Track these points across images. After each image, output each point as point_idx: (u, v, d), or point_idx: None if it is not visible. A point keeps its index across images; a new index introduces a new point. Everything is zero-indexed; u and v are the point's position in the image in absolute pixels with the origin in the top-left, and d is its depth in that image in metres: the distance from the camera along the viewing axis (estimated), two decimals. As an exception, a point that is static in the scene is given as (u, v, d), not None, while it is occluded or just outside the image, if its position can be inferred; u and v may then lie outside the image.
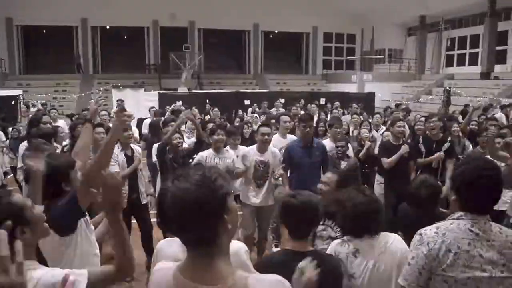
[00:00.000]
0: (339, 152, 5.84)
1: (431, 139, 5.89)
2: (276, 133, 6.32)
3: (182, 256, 1.91)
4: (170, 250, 2.01)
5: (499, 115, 11.03)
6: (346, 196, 2.61)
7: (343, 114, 10.58)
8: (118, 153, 5.19)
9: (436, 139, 5.84)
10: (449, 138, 5.89)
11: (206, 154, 5.20)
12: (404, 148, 5.67)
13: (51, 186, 2.31)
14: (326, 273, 1.74)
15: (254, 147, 5.25)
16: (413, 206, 3.21)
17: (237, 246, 2.05)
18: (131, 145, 5.36)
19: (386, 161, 5.77)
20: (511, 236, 1.99)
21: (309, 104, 13.07)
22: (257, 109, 12.81)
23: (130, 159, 5.18)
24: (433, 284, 1.95)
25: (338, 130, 6.18)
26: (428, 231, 2.01)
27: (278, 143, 5.94)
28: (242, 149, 5.72)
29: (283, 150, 5.39)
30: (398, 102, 15.77)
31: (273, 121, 8.42)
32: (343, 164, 5.72)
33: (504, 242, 1.96)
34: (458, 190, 2.03)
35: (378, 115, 8.48)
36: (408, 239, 3.18)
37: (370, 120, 8.54)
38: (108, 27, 25.89)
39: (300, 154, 5.09)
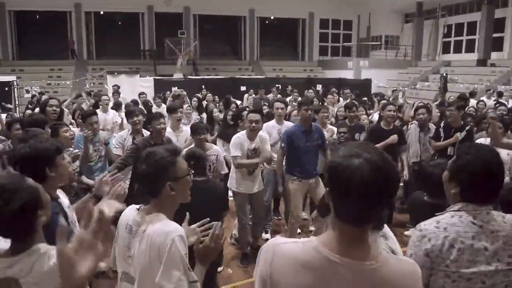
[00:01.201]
0: (341, 138, 5.83)
1: (450, 125, 5.88)
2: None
3: (132, 221, 2.00)
4: (128, 215, 2.08)
5: (486, 100, 11.29)
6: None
7: (338, 100, 10.54)
8: (126, 136, 5.16)
9: (455, 126, 5.83)
10: (467, 127, 5.81)
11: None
12: (393, 138, 5.64)
13: (34, 170, 2.16)
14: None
15: (244, 133, 5.12)
16: (425, 187, 2.94)
17: (171, 227, 1.92)
18: (144, 131, 5.26)
19: None
20: None
21: (306, 91, 13.06)
22: (253, 95, 12.74)
23: None
24: (435, 279, 1.87)
25: (326, 114, 6.31)
26: (428, 226, 1.90)
27: (273, 129, 5.93)
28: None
29: (282, 135, 5.38)
30: (400, 89, 15.75)
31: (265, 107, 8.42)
32: None
33: (510, 232, 1.85)
34: (461, 181, 1.92)
35: (384, 101, 8.44)
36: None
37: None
38: (102, 12, 25.56)
39: (301, 138, 5.08)
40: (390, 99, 10.10)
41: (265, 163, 5.39)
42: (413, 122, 6.61)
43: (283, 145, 5.22)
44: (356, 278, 1.29)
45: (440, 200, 2.82)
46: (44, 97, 8.97)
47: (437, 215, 1.96)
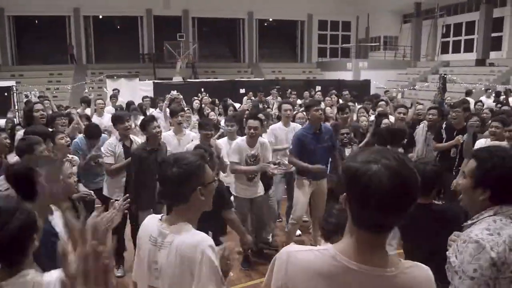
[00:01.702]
0: (344, 139, 5.82)
1: (453, 127, 5.81)
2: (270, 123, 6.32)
3: (157, 233, 1.91)
4: (150, 227, 2.01)
5: (485, 99, 11.43)
6: None
7: (338, 102, 10.56)
8: (115, 143, 4.99)
9: (458, 128, 5.76)
10: (471, 131, 5.66)
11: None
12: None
13: (27, 186, 2.23)
14: None
15: (244, 139, 5.10)
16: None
17: (198, 238, 1.87)
18: (131, 136, 5.16)
19: None
20: None
21: (308, 93, 13.09)
22: (252, 98, 12.75)
23: (129, 150, 4.95)
24: None
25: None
26: (481, 235, 1.78)
27: (280, 131, 5.92)
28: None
29: (292, 138, 5.33)
30: (400, 90, 15.74)
31: (268, 110, 8.45)
32: (348, 152, 5.70)
33: None
34: (492, 185, 1.86)
35: (383, 102, 8.46)
36: (407, 238, 2.91)
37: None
38: (101, 16, 25.59)
39: (312, 141, 5.04)
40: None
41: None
42: (423, 121, 6.54)
43: (291, 147, 5.22)
44: (375, 286, 1.28)
45: (427, 199, 2.85)
46: (45, 102, 8.98)
47: (464, 226, 1.92)
